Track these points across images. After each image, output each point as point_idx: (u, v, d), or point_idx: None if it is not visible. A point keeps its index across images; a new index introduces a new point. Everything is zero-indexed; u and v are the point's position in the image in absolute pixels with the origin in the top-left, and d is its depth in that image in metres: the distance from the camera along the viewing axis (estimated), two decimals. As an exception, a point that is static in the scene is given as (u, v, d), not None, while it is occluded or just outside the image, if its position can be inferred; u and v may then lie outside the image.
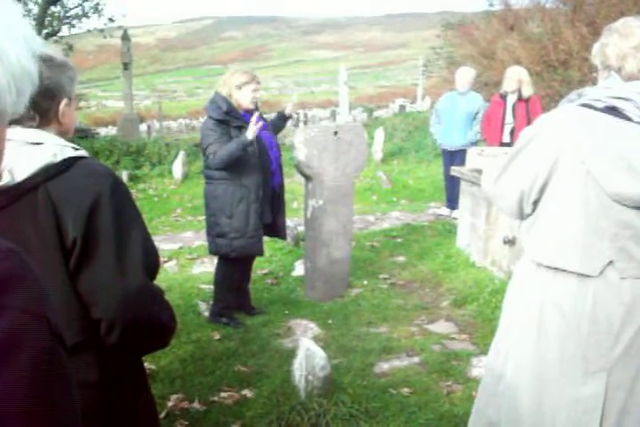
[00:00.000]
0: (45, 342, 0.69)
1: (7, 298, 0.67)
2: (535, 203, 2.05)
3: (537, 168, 1.98)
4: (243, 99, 4.20)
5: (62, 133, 1.62)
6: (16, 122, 1.49)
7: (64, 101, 1.60)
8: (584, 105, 1.95)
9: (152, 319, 1.59)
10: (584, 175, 1.90)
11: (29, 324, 0.67)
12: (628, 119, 1.87)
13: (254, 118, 4.07)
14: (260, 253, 4.48)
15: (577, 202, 1.93)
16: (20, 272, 0.70)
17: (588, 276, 1.94)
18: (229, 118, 4.16)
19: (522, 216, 2.13)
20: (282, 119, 4.72)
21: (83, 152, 1.57)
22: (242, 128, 4.15)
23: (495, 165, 2.17)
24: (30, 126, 1.54)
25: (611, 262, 1.93)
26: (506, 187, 2.11)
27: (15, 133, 1.48)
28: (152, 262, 1.62)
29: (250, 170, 4.17)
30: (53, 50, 1.62)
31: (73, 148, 1.56)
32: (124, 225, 1.52)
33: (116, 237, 1.49)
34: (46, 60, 1.50)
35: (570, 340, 1.99)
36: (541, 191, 2.01)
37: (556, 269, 2.00)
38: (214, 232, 4.28)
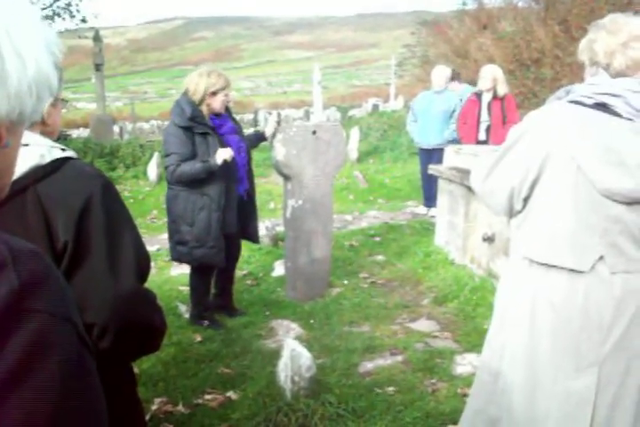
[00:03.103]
0: (74, 345, 0.68)
1: (36, 301, 0.65)
2: (525, 199, 2.06)
3: (527, 164, 1.98)
4: (216, 104, 4.06)
5: (47, 135, 1.57)
6: None
7: (50, 101, 1.56)
8: (573, 102, 1.96)
9: (145, 323, 1.56)
10: (574, 171, 1.91)
11: (58, 327, 0.66)
12: (618, 115, 1.88)
13: (229, 152, 3.98)
14: (221, 265, 4.29)
15: (567, 198, 1.94)
16: (46, 274, 0.68)
17: (579, 271, 1.95)
18: (193, 125, 3.99)
19: (511, 213, 2.14)
20: (259, 139, 4.62)
21: (71, 153, 1.53)
22: (207, 135, 4.02)
23: (484, 163, 2.17)
24: None
25: (601, 258, 1.93)
26: (496, 184, 2.11)
27: None
28: (143, 266, 1.59)
29: (212, 178, 4.01)
30: None
31: (60, 148, 1.52)
32: (116, 228, 1.47)
33: (108, 240, 1.45)
34: None
35: (562, 335, 2.00)
36: (532, 188, 2.02)
37: (547, 265, 2.01)
38: (175, 239, 4.16)
